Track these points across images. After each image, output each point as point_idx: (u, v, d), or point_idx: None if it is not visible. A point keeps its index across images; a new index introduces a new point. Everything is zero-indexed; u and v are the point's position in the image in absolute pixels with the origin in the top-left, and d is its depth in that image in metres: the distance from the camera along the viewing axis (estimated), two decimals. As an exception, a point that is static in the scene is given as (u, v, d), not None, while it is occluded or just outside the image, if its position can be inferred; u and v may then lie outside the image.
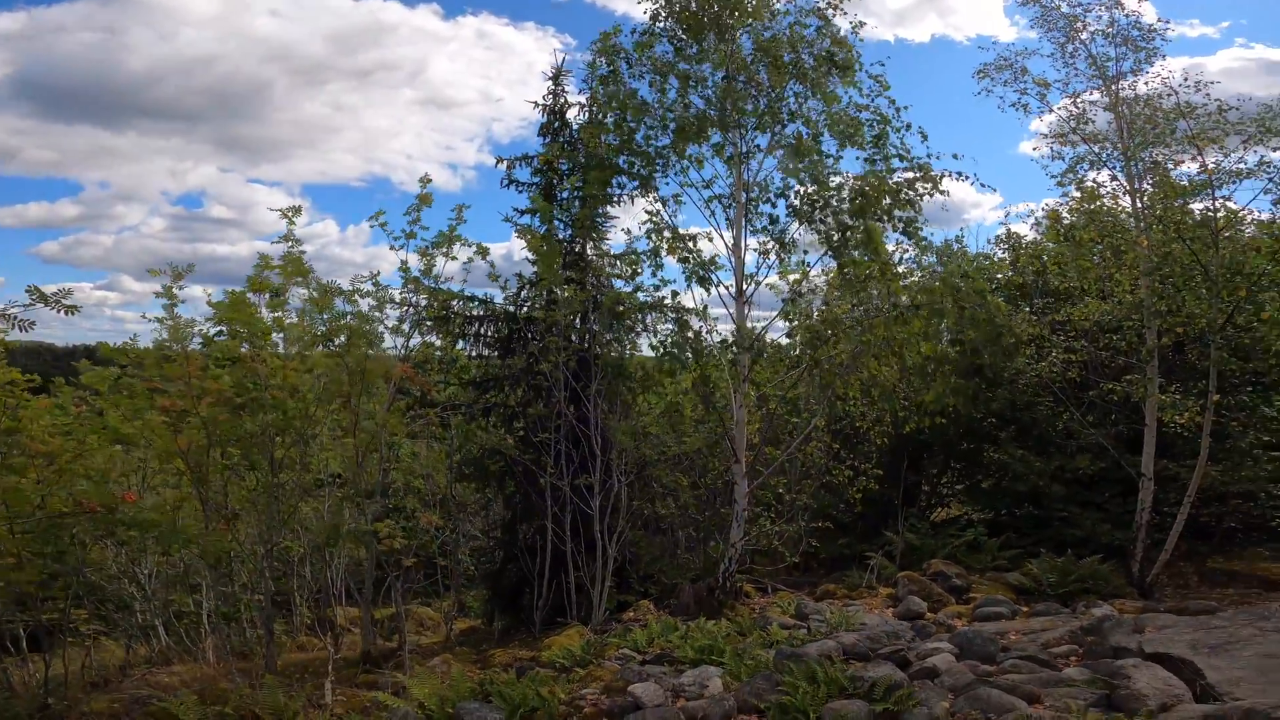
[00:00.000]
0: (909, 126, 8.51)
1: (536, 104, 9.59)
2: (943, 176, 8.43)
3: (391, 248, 8.10)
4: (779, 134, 8.70)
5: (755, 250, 8.71)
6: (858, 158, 8.70)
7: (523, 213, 9.27)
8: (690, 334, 8.52)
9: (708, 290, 8.49)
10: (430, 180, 8.12)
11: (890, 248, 9.00)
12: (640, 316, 8.90)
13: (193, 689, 6.18)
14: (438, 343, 9.12)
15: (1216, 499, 9.22)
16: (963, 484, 12.06)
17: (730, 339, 8.66)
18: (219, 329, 6.96)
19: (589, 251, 9.39)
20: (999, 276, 12.37)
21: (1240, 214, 8.47)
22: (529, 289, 9.29)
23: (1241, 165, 8.12)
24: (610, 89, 8.73)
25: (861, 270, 8.69)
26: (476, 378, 9.67)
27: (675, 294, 8.63)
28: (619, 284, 9.14)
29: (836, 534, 10.75)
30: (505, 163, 9.44)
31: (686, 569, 9.46)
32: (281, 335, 7.34)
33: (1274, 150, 7.90)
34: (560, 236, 9.23)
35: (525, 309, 9.32)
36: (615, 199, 9.21)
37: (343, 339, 7.36)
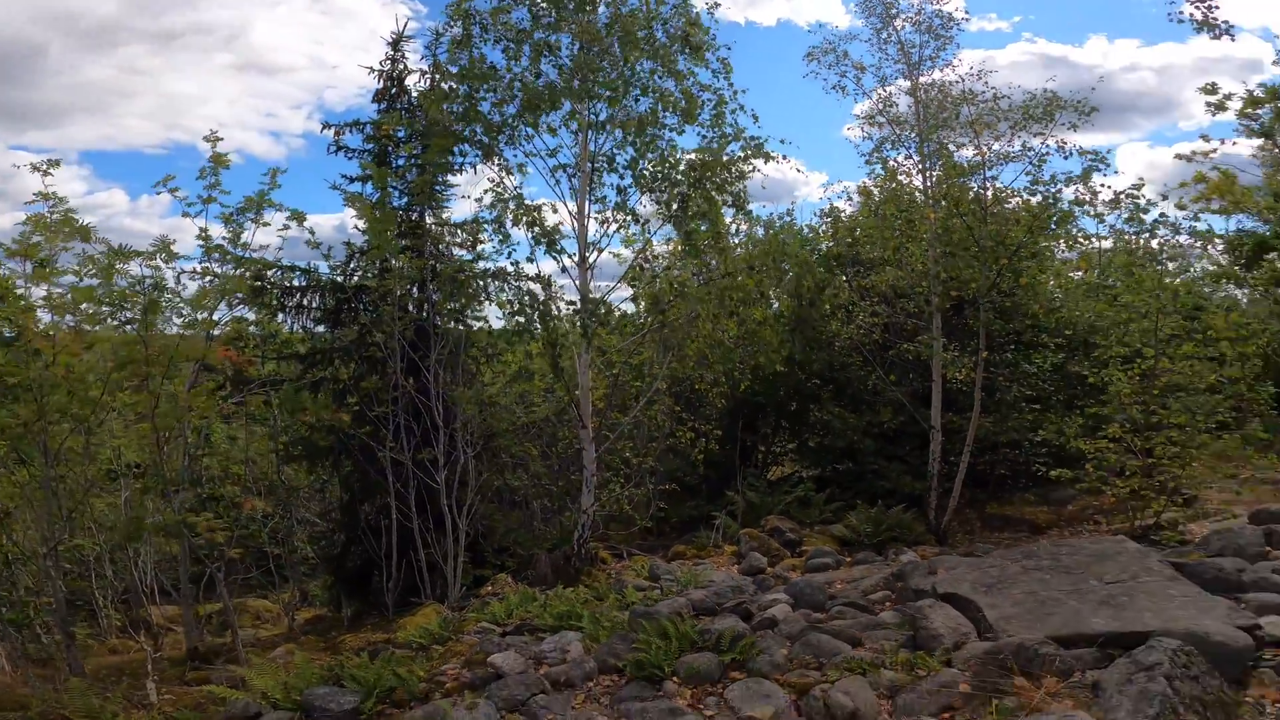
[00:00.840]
0: (743, 108, 8.91)
1: (372, 69, 9.12)
2: (769, 157, 8.97)
3: (185, 214, 7.29)
4: (627, 107, 8.84)
5: (597, 219, 8.87)
6: (697, 133, 9.09)
7: (353, 180, 8.81)
8: (536, 302, 8.57)
9: (554, 257, 8.54)
10: (221, 138, 7.33)
11: (728, 221, 9.57)
12: (484, 285, 8.80)
13: (-13, 696, 5.51)
14: (252, 316, 8.48)
15: (990, 448, 10.49)
16: (793, 442, 12.89)
17: (575, 306, 8.80)
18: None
19: (428, 220, 9.06)
20: (821, 248, 13.45)
21: (1004, 192, 9.85)
22: (359, 258, 8.83)
23: (1009, 149, 9.34)
24: (461, 53, 8.42)
25: (702, 238, 9.15)
26: (302, 352, 9.11)
27: (517, 264, 8.61)
28: (462, 253, 8.97)
29: (685, 496, 11.20)
30: (334, 129, 8.94)
31: (543, 539, 9.50)
32: (49, 309, 6.45)
33: (1034, 136, 9.07)
34: (396, 205, 8.82)
35: (355, 279, 8.85)
36: (457, 167, 8.94)
37: (135, 311, 6.58)
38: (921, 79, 10.14)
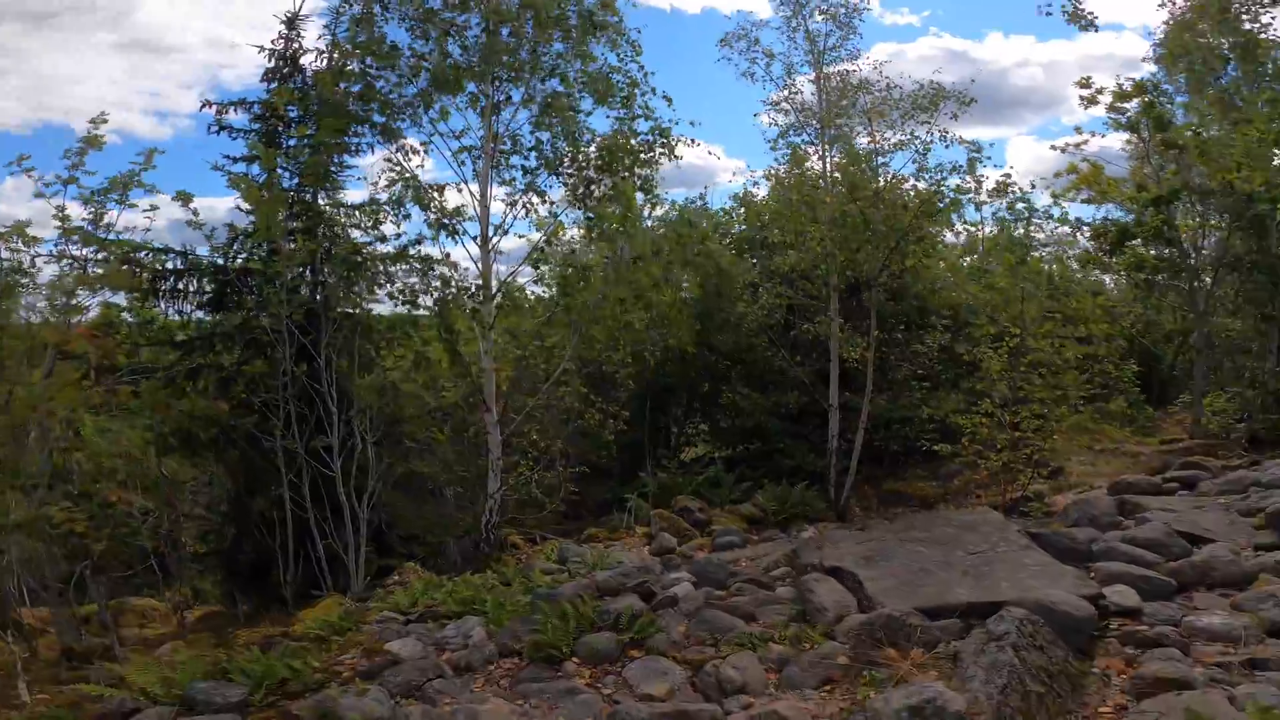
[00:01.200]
0: (655, 90, 8.93)
1: (263, 48, 8.66)
2: (679, 141, 9.02)
3: (40, 194, 6.77)
4: (535, 88, 8.71)
5: (504, 201, 8.79)
6: (607, 116, 9.07)
7: (238, 160, 8.37)
8: (429, 285, 8.42)
9: (454, 239, 8.42)
10: (106, 119, 6.86)
11: (639, 204, 9.61)
12: (383, 268, 8.54)
13: None
14: (123, 302, 7.96)
15: (884, 426, 10.90)
16: (705, 423, 13.04)
17: (471, 288, 8.64)
18: None
19: (322, 201, 8.71)
20: (733, 231, 13.69)
21: (896, 179, 10.27)
22: (243, 240, 8.42)
23: (901, 138, 9.80)
24: (361, 31, 8.13)
25: (612, 220, 9.15)
26: (180, 338, 8.63)
27: (413, 243, 8.41)
28: (360, 235, 8.67)
29: (600, 479, 11.19)
30: (215, 107, 8.48)
31: (454, 526, 9.31)
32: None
33: (921, 124, 9.55)
34: (287, 186, 8.43)
35: (239, 261, 8.43)
36: (354, 148, 8.69)
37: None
38: (826, 68, 10.45)
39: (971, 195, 9.54)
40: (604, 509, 10.63)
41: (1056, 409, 7.37)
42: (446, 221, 8.31)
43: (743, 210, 13.67)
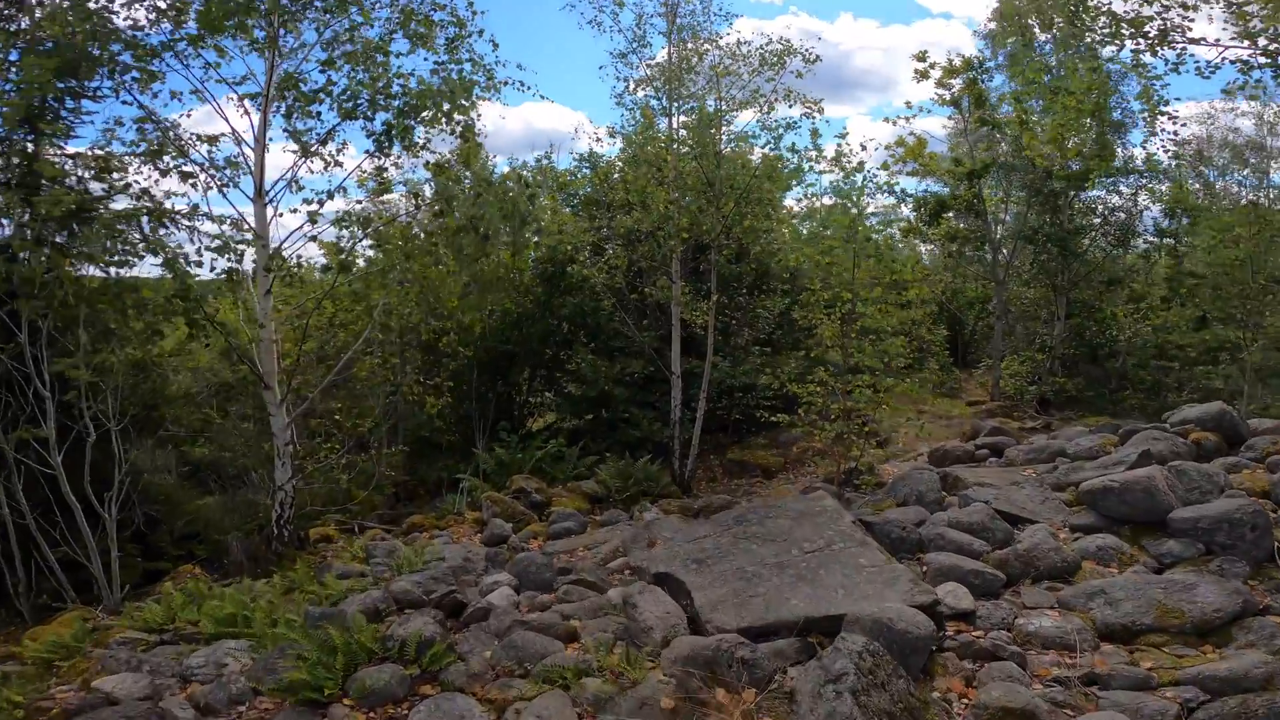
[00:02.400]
0: (481, 33, 7.66)
1: None
2: (503, 84, 7.76)
3: None
4: (331, 25, 7.03)
5: (295, 152, 7.09)
6: (426, 59, 7.55)
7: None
8: (154, 241, 6.66)
9: (222, 193, 6.66)
10: None
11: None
12: (129, 225, 6.55)
13: None
14: None
15: (727, 393, 10.29)
16: (552, 392, 11.90)
17: (248, 245, 6.94)
18: None
19: (48, 152, 6.67)
20: (580, 193, 12.43)
21: (739, 142, 9.56)
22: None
23: (746, 96, 9.04)
24: None
25: (446, 176, 7.67)
26: None
27: (146, 192, 6.58)
28: (100, 188, 6.66)
29: (436, 457, 9.81)
30: None
31: (252, 519, 7.73)
32: None
33: (767, 82, 8.88)
34: None
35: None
36: (92, 92, 6.75)
37: None
38: (679, 21, 9.42)
39: (813, 164, 8.96)
40: (440, 489, 9.29)
41: (884, 379, 6.91)
42: (215, 174, 6.49)
43: (589, 170, 12.45)
